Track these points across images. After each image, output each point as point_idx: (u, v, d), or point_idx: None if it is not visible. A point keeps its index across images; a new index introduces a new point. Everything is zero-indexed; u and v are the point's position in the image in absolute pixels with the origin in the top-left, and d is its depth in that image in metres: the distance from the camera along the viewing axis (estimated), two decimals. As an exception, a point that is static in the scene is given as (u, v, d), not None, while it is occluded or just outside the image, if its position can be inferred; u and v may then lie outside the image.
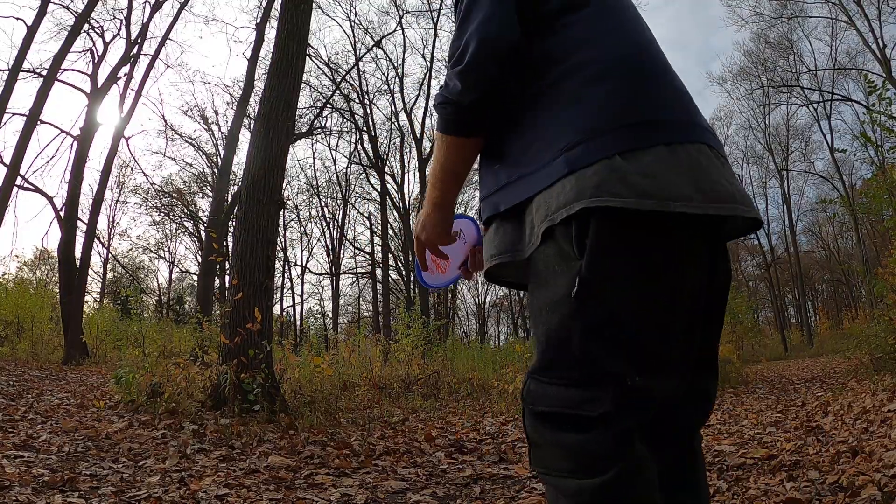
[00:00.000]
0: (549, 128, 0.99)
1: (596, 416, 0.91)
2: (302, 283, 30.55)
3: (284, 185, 7.39)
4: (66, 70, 13.69)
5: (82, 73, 14.77)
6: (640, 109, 0.96)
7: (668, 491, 1.00)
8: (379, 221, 24.55)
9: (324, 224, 28.71)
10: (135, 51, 15.30)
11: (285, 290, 29.34)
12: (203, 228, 23.82)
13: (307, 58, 8.27)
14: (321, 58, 21.49)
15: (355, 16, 27.20)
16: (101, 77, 14.58)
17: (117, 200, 27.00)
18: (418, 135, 22.25)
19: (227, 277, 16.47)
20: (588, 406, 0.92)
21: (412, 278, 21.93)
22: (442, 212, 1.20)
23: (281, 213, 6.37)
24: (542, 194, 0.97)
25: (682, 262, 0.96)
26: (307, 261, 31.55)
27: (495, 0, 1.04)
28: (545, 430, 0.97)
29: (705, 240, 0.98)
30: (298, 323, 29.48)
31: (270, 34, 14.03)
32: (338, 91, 21.04)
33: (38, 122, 12.39)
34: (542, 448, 0.98)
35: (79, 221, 12.71)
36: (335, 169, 28.48)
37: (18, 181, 12.32)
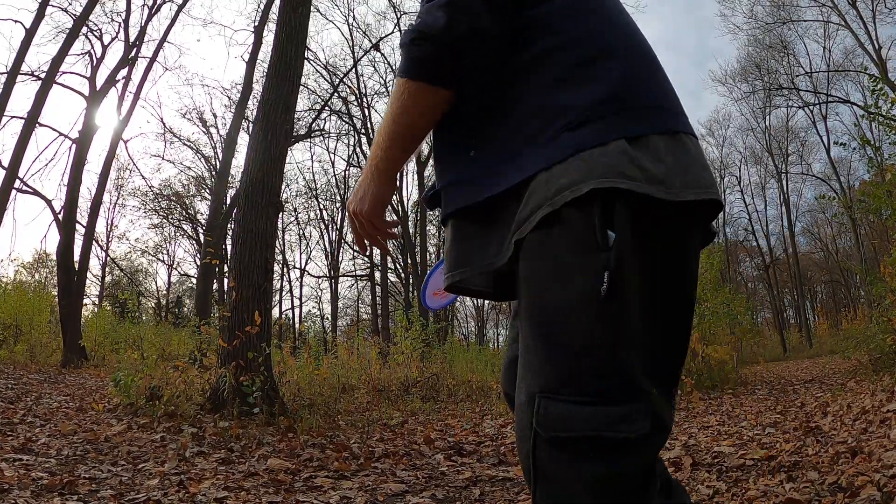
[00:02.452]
0: (542, 106, 0.87)
1: (634, 437, 0.78)
2: (301, 286, 30.56)
3: (283, 187, 7.39)
4: (64, 73, 13.69)
5: (81, 75, 14.77)
6: (645, 94, 0.88)
7: None
8: (378, 224, 24.50)
9: (322, 227, 28.72)
10: (133, 53, 15.29)
11: (284, 293, 29.34)
12: (202, 231, 23.81)
13: (305, 60, 8.27)
14: (319, 60, 21.53)
15: (353, 19, 27.24)
16: (100, 80, 14.58)
17: (116, 203, 26.97)
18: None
19: (225, 280, 16.47)
20: (624, 426, 0.78)
21: (411, 280, 21.93)
22: (387, 182, 1.02)
23: (279, 215, 6.37)
24: (535, 179, 0.84)
25: (690, 255, 0.89)
26: (306, 263, 31.61)
27: None
28: (564, 460, 0.80)
29: (698, 230, 0.91)
30: (297, 326, 29.46)
31: (269, 37, 14.05)
32: (336, 94, 21.06)
33: (37, 125, 12.38)
34: (556, 483, 0.81)
35: (77, 224, 12.69)
36: (333, 171, 28.49)
37: (17, 184, 12.31)
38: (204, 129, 25.17)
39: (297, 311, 30.61)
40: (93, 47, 15.23)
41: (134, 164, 21.87)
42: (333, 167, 32.16)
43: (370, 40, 22.15)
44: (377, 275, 24.80)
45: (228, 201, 16.38)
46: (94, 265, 25.50)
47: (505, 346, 1.20)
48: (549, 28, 0.90)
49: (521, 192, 0.86)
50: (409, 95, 0.91)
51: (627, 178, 0.80)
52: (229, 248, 6.97)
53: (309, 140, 22.82)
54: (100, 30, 15.41)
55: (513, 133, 0.89)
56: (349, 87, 21.96)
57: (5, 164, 11.74)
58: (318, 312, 33.23)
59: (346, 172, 26.43)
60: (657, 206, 0.81)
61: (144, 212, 26.13)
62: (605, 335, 0.79)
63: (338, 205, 27.74)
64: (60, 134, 14.34)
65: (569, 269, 0.81)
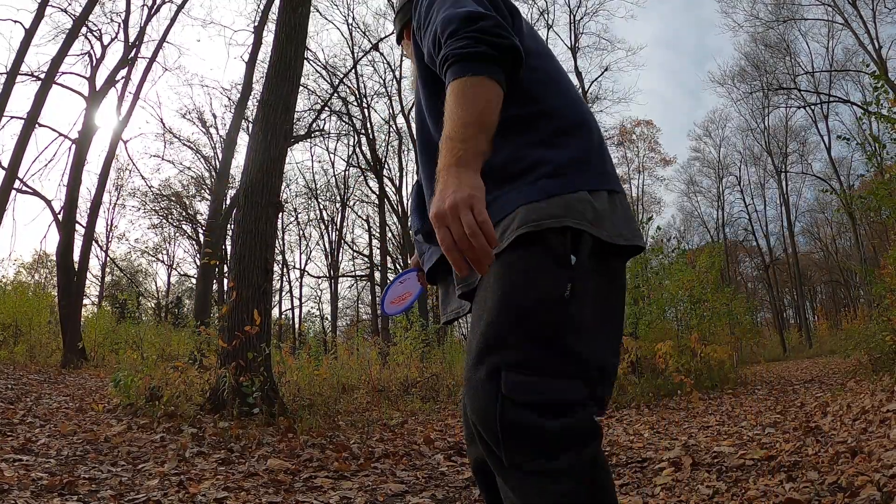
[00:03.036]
0: (527, 156, 1.11)
1: (579, 399, 1.03)
2: (301, 287, 30.55)
3: (283, 187, 7.39)
4: (64, 73, 13.65)
5: (80, 76, 14.74)
6: (598, 160, 1.16)
7: None
8: (377, 224, 24.55)
9: (322, 227, 28.70)
10: (132, 54, 15.27)
11: (284, 293, 29.33)
12: (201, 231, 23.79)
13: (305, 61, 8.27)
14: (319, 61, 21.53)
15: (353, 19, 27.21)
16: (100, 80, 14.56)
17: (115, 204, 26.96)
18: (416, 137, 22.25)
19: (225, 280, 16.45)
20: (572, 392, 1.02)
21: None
22: (476, 173, 0.99)
23: (279, 215, 6.37)
24: (521, 209, 1.07)
25: (621, 281, 1.18)
26: (306, 264, 31.54)
27: (486, 4, 1.17)
28: (529, 418, 0.99)
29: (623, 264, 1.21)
30: (297, 326, 29.44)
31: (268, 37, 14.04)
32: (335, 94, 21.05)
33: (37, 126, 12.35)
34: (523, 438, 0.99)
35: (77, 224, 12.68)
36: (333, 172, 28.45)
37: (17, 184, 12.29)
38: (204, 130, 25.18)
39: (296, 311, 30.62)
40: (92, 48, 15.23)
41: (133, 165, 21.77)
42: (333, 167, 32.20)
43: (370, 41, 22.16)
44: (377, 275, 24.81)
45: (228, 201, 16.38)
46: (94, 265, 25.52)
47: None
48: (535, 98, 1.17)
49: (502, 222, 1.09)
50: (480, 90, 1.03)
51: (589, 222, 1.07)
52: (229, 248, 6.97)
53: (309, 140, 22.83)
54: (99, 30, 15.41)
55: (498, 170, 1.11)
56: (349, 87, 21.96)
57: (5, 164, 11.72)
58: (318, 313, 33.25)
59: (346, 173, 26.45)
60: (604, 245, 1.10)
61: (144, 212, 26.14)
62: (564, 327, 1.03)
63: (337, 205, 27.76)
64: (60, 134, 14.32)
65: (544, 276, 1.04)
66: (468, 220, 0.93)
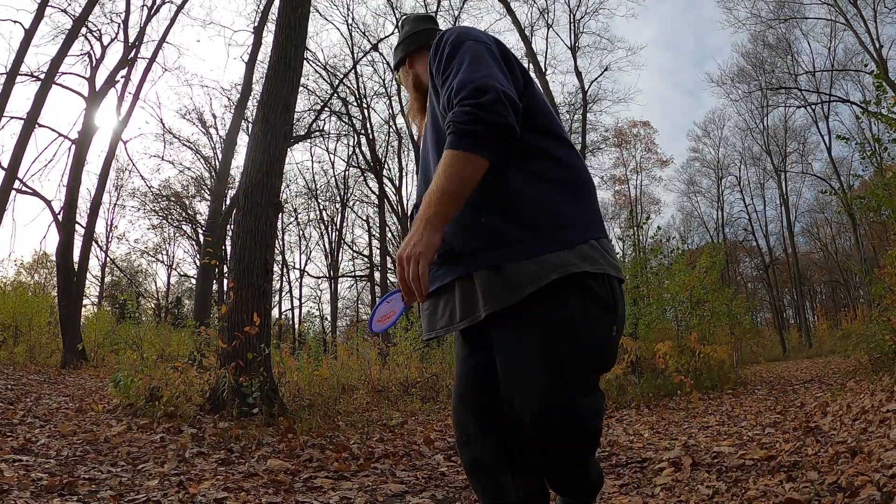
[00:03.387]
0: (550, 206, 1.33)
1: (603, 398, 1.42)
2: (300, 287, 30.54)
3: (283, 188, 7.38)
4: (63, 73, 13.64)
5: (80, 76, 14.73)
6: (595, 212, 1.41)
7: None
8: (377, 224, 24.54)
9: (322, 227, 28.69)
10: (132, 54, 15.27)
11: (284, 294, 29.31)
12: (201, 232, 23.76)
13: (305, 61, 8.26)
14: (319, 61, 21.52)
15: (352, 19, 27.14)
16: (99, 80, 14.55)
17: (115, 204, 26.96)
18: (416, 138, 22.25)
19: (225, 281, 16.43)
20: (602, 396, 1.42)
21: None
22: (438, 232, 1.27)
23: (279, 216, 6.37)
24: (549, 255, 1.29)
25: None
26: (306, 264, 31.52)
27: (502, 67, 1.34)
28: (593, 424, 1.35)
29: None
30: (297, 326, 29.41)
31: (268, 37, 14.05)
32: (335, 94, 21.03)
33: (36, 126, 12.35)
34: (591, 438, 1.37)
35: (77, 225, 12.67)
36: (333, 172, 28.38)
37: (16, 185, 12.28)
38: (203, 130, 25.13)
39: (296, 311, 30.61)
40: (92, 48, 15.23)
41: (133, 165, 21.70)
42: (333, 168, 32.15)
43: (369, 41, 22.15)
44: (377, 275, 24.79)
45: (228, 202, 16.37)
46: (94, 266, 25.52)
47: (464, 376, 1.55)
48: (557, 158, 1.38)
49: (523, 264, 1.31)
50: (472, 167, 1.24)
51: (600, 265, 1.34)
52: (229, 248, 6.95)
53: (309, 140, 22.82)
54: (99, 30, 15.41)
55: (527, 217, 1.32)
56: (348, 87, 21.95)
57: (5, 164, 11.72)
58: (318, 313, 33.24)
59: (346, 173, 26.42)
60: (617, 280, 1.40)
61: (144, 212, 26.09)
62: (610, 359, 1.40)
63: (337, 205, 27.74)
64: (60, 134, 14.31)
65: (595, 319, 1.33)
66: (413, 270, 1.24)
